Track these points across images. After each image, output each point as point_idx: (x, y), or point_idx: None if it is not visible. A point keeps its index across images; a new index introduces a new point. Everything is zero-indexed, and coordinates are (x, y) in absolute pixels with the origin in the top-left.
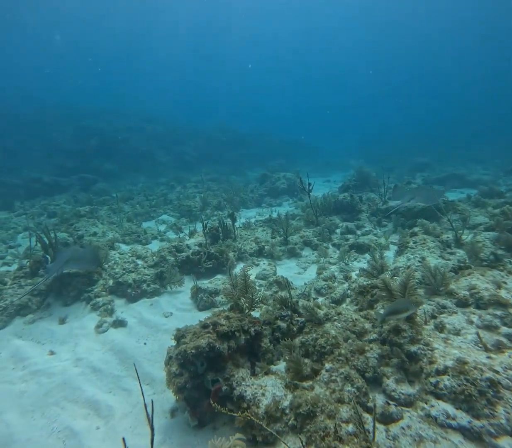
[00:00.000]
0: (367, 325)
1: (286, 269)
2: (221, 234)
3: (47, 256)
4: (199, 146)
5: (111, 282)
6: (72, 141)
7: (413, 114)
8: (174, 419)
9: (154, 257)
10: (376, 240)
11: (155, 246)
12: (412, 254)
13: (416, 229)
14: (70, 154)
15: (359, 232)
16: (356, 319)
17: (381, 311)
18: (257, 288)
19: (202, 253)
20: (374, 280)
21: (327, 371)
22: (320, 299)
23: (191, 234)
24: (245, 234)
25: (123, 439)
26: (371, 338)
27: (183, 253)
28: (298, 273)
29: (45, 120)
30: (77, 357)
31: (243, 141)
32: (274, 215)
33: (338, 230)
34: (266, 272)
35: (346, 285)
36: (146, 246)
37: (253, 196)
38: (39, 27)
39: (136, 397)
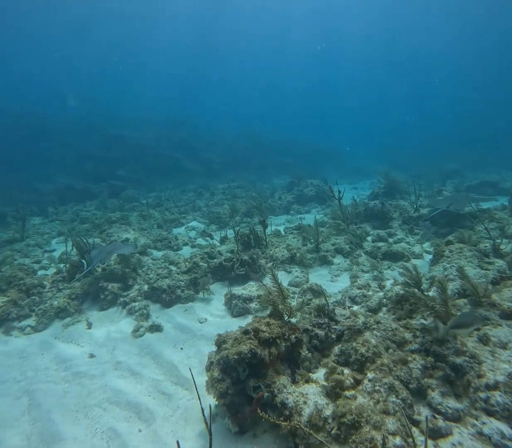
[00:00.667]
0: (407, 335)
1: (318, 277)
2: (252, 241)
3: (83, 261)
4: (225, 153)
5: (146, 287)
6: (100, 149)
7: (442, 118)
8: (214, 424)
9: (186, 263)
10: (409, 248)
11: (186, 252)
12: (448, 263)
13: (451, 237)
14: (99, 161)
15: (391, 240)
16: (395, 329)
17: (440, 324)
18: (291, 295)
19: (234, 259)
20: (411, 289)
21: (370, 380)
22: (355, 307)
23: (223, 240)
24: (276, 241)
25: (178, 442)
26: (413, 348)
27: (215, 260)
28: (330, 280)
29: (75, 128)
30: (116, 360)
31: (268, 148)
32: (304, 222)
33: (369, 238)
34: (299, 280)
35: (381, 294)
36: (178, 252)
37: (281, 203)
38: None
39: (176, 401)
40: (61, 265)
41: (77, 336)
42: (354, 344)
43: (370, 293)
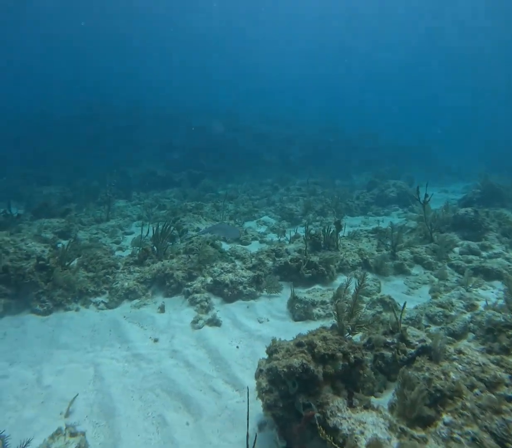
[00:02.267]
0: (503, 375)
1: (392, 287)
2: (322, 242)
3: (155, 247)
4: (305, 147)
5: (209, 280)
6: (185, 139)
7: None
8: (261, 433)
9: (252, 259)
10: (510, 266)
11: (254, 247)
12: None
13: None
14: (183, 151)
15: (484, 254)
16: (484, 364)
17: None
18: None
19: (301, 260)
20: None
21: (446, 424)
22: (433, 328)
23: (293, 239)
24: (348, 245)
25: None
26: (511, 394)
27: (282, 258)
28: (406, 293)
29: (162, 118)
30: (173, 349)
31: (351, 144)
32: (382, 225)
33: (456, 249)
34: (370, 288)
35: (467, 316)
36: (246, 247)
37: (359, 203)
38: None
39: (225, 400)
40: (136, 248)
41: (141, 319)
42: (427, 374)
43: (454, 313)
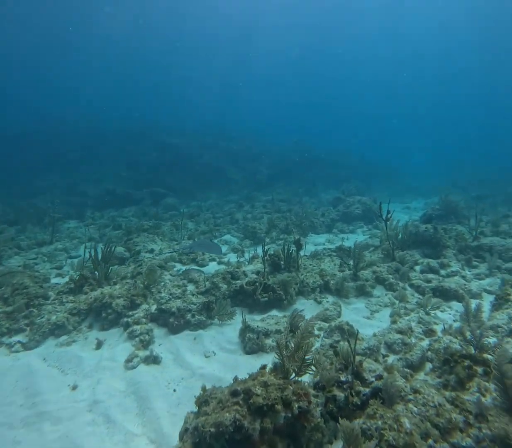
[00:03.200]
0: (457, 417)
1: (353, 311)
2: (282, 262)
3: (96, 272)
4: (273, 165)
5: (153, 308)
6: (150, 156)
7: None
8: None
9: (206, 283)
10: (466, 285)
11: (212, 268)
12: None
13: None
14: (146, 168)
15: (443, 272)
16: (440, 405)
17: None
18: (316, 332)
19: (258, 283)
20: (466, 345)
21: None
22: (391, 358)
23: (251, 259)
24: (310, 265)
25: None
26: (464, 445)
27: (238, 281)
28: (366, 317)
29: (127, 135)
30: (94, 399)
31: (318, 161)
32: (346, 244)
33: (417, 268)
34: (329, 313)
35: (425, 343)
36: (203, 268)
37: (324, 221)
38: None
39: None
40: (76, 274)
41: (65, 360)
42: (379, 423)
43: (413, 340)
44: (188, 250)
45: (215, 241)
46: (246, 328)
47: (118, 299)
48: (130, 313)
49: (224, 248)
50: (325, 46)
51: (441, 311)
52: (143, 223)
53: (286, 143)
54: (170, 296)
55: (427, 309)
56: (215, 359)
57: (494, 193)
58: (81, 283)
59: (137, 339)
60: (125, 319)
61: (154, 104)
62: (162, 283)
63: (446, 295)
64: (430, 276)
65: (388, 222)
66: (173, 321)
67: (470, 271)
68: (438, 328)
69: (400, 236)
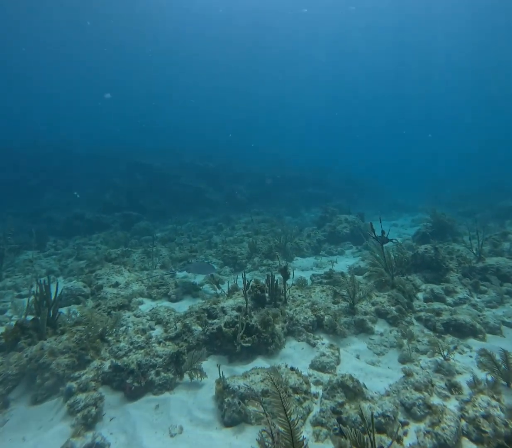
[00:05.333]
0: None
1: (355, 355)
2: (267, 295)
3: (39, 318)
4: (253, 184)
5: (107, 365)
6: (123, 178)
7: (495, 148)
8: None
9: (177, 324)
10: (480, 316)
11: (186, 304)
12: None
13: None
14: (120, 191)
15: (449, 300)
16: None
17: None
18: (313, 389)
19: (238, 324)
20: None
21: None
22: (413, 427)
23: (231, 291)
24: (299, 296)
25: None
26: None
27: (216, 320)
28: (371, 363)
29: (99, 157)
30: None
31: (300, 179)
32: (335, 267)
33: (420, 295)
34: (326, 360)
35: (454, 405)
36: (175, 304)
37: (310, 242)
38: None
39: None
40: (22, 317)
41: None
42: None
43: (436, 400)
44: (180, 271)
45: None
46: (224, 390)
47: (61, 356)
48: (77, 374)
49: (200, 278)
50: (306, 63)
51: (460, 353)
52: (110, 251)
53: (267, 162)
54: (131, 346)
55: (445, 353)
56: (182, 438)
57: (480, 208)
58: (15, 336)
59: (79, 415)
60: (68, 384)
61: (128, 125)
62: (124, 327)
63: (461, 330)
64: (437, 305)
65: (383, 244)
66: (131, 382)
67: (479, 298)
68: (462, 380)
69: (396, 259)
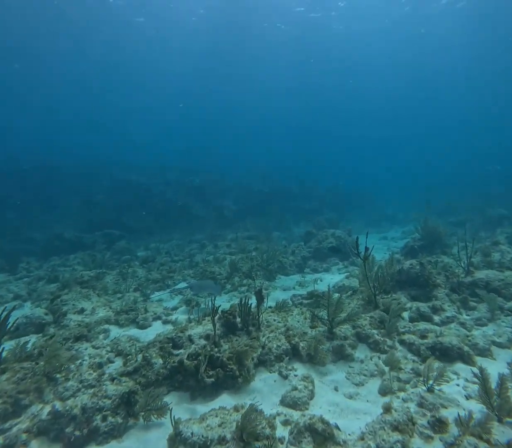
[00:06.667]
0: None
1: (331, 387)
2: (239, 320)
3: None
4: (240, 199)
5: (46, 411)
6: (106, 194)
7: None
8: None
9: (138, 356)
10: (468, 337)
11: (155, 331)
12: None
13: None
14: (103, 208)
15: (437, 319)
16: None
17: None
18: (280, 432)
19: (202, 356)
20: None
21: None
22: None
23: (202, 317)
24: (274, 320)
25: None
26: None
27: (181, 350)
28: (349, 395)
29: (82, 173)
30: None
31: (288, 193)
32: (319, 286)
33: (405, 315)
34: (298, 395)
35: None
36: (143, 331)
37: (294, 260)
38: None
39: None
40: None
41: None
42: None
43: (417, 442)
44: (184, 289)
45: (167, 291)
46: (176, 437)
47: None
48: (7, 425)
49: (175, 301)
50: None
51: (446, 382)
52: (83, 273)
53: (255, 175)
54: (80, 385)
55: (429, 384)
56: None
57: (470, 217)
58: None
59: None
60: None
61: (110, 141)
62: (78, 362)
63: (448, 355)
64: (423, 325)
65: (366, 262)
66: (71, 431)
67: (468, 315)
68: (448, 414)
69: (381, 276)
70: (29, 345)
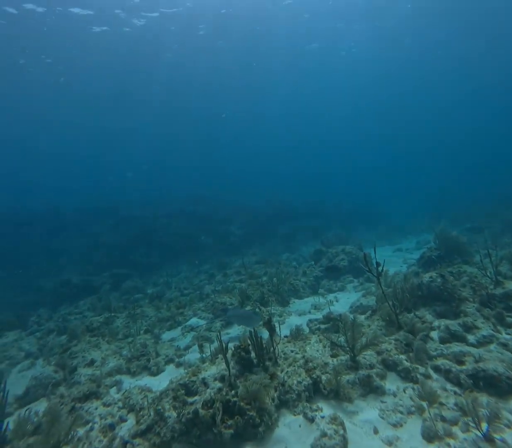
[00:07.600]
0: None
1: (365, 430)
2: (253, 357)
3: None
4: (246, 223)
5: None
6: (111, 234)
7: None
8: None
9: (151, 410)
10: None
11: (167, 376)
12: None
13: None
14: (110, 248)
15: (471, 339)
16: None
17: None
18: None
19: (216, 404)
20: None
21: None
22: None
23: (216, 354)
24: (291, 351)
25: None
26: None
27: (196, 398)
28: (388, 441)
29: (86, 214)
30: None
31: (294, 213)
32: (335, 307)
33: (434, 334)
34: (329, 444)
35: None
36: (155, 378)
37: (307, 281)
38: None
39: None
40: None
41: None
42: None
43: None
44: (224, 320)
45: (179, 328)
46: None
47: None
48: None
49: (188, 338)
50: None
51: (507, 426)
52: (92, 319)
53: (256, 200)
54: None
55: (484, 429)
56: None
57: (488, 223)
58: None
59: None
60: None
61: (109, 182)
62: (89, 426)
63: (495, 385)
64: (457, 347)
65: (380, 278)
66: None
67: (508, 334)
68: None
69: (400, 292)
70: (40, 413)
